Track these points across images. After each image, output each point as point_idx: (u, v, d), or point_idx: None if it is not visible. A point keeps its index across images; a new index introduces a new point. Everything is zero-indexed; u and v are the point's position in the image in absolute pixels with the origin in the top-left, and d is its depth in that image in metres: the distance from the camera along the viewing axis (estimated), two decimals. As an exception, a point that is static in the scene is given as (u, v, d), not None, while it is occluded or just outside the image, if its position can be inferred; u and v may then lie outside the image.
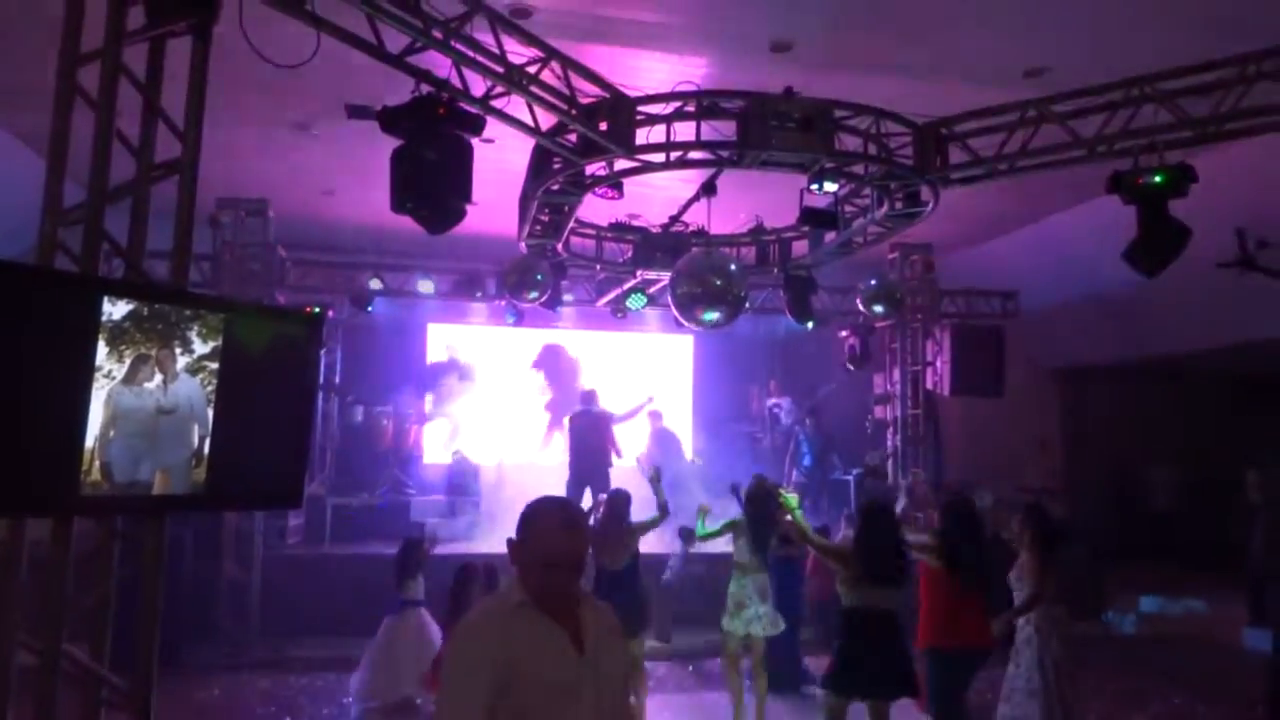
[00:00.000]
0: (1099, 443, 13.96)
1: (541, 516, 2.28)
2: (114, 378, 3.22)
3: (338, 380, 11.90)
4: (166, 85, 3.86)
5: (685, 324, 7.71)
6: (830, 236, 8.07)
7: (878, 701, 5.23)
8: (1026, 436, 13.29)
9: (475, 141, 4.89)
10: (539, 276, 8.45)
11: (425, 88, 4.71)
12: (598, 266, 9.35)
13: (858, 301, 9.81)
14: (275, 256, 9.64)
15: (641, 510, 6.65)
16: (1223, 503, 11.47)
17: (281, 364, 3.82)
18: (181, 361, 3.42)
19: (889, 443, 11.26)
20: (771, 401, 12.68)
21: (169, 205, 3.81)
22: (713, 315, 7.36)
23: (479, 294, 10.61)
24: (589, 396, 10.71)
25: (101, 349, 3.19)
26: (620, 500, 6.63)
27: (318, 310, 7.43)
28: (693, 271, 7.32)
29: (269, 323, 3.96)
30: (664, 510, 6.56)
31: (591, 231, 8.91)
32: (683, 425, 12.98)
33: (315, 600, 8.96)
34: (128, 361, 3.26)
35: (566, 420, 10.75)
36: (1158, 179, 5.35)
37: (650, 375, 12.88)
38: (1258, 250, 8.89)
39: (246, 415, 3.63)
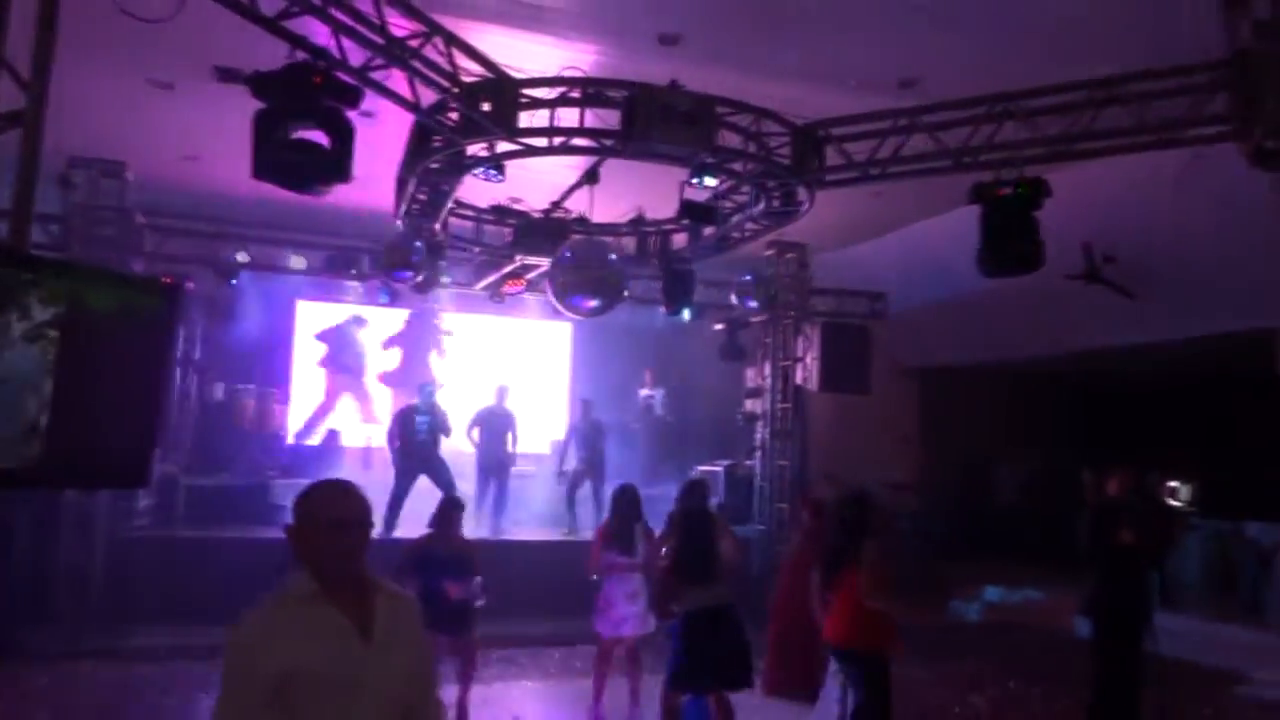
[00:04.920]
0: (953, 441, 14.66)
1: (313, 489, 2.34)
2: (-60, 343, 2.98)
3: (197, 356, 11.37)
4: (13, 32, 3.58)
5: (563, 311, 7.71)
6: (709, 231, 8.19)
7: (722, 693, 5.34)
8: (889, 433, 13.84)
9: (353, 114, 4.74)
10: (415, 257, 8.27)
11: (300, 55, 4.53)
12: (477, 249, 9.21)
13: (732, 296, 10.01)
14: (132, 221, 9.10)
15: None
16: (1062, 500, 12.24)
17: (133, 335, 3.61)
18: (18, 328, 3.18)
19: (758, 435, 11.53)
20: (645, 392, 12.80)
21: (14, 161, 3.55)
22: (591, 304, 7.38)
23: (353, 272, 10.29)
24: (501, 392, 10.95)
25: (-73, 311, 2.94)
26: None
27: (177, 280, 7.06)
28: (573, 259, 7.32)
29: (120, 291, 3.73)
30: None
31: (471, 213, 8.75)
32: (560, 413, 12.97)
33: (164, 585, 8.51)
34: (-44, 326, 3.02)
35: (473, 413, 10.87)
36: (1015, 191, 5.64)
37: (528, 361, 12.82)
38: (1103, 264, 9.54)
39: (91, 389, 3.41)
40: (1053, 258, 6.01)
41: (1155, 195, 8.63)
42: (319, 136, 4.58)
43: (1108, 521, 6.29)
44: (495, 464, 10.75)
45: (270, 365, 11.95)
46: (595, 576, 6.39)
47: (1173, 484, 11.00)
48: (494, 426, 10.79)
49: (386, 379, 12.77)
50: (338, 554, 2.22)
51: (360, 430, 12.06)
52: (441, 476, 10.01)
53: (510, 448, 10.81)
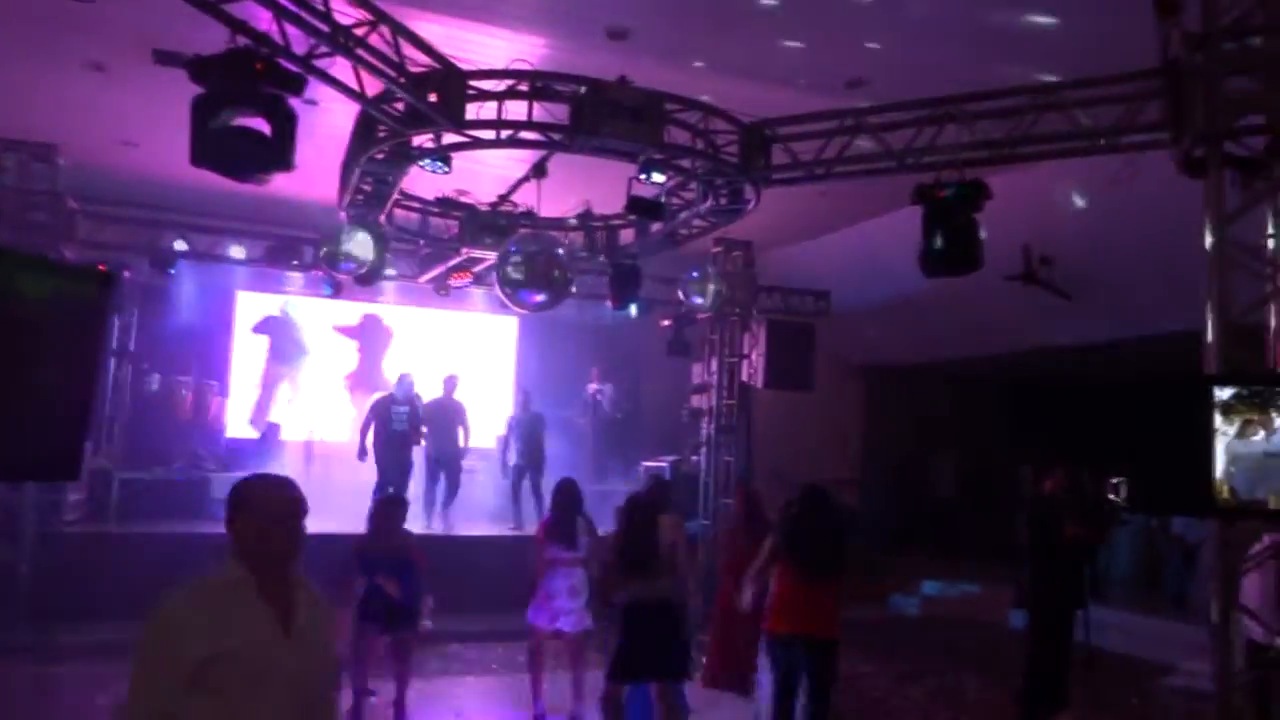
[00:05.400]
0: (893, 438, 14.90)
1: (256, 483, 2.42)
2: None
3: (132, 346, 11.08)
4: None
5: (509, 305, 7.67)
6: (656, 227, 8.21)
7: (663, 685, 5.39)
8: (831, 429, 14.02)
9: (296, 102, 4.65)
10: (359, 249, 8.14)
11: (242, 40, 4.43)
12: (421, 241, 9.12)
13: (679, 292, 10.05)
14: (64, 207, 8.83)
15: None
16: (999, 495, 12.52)
17: (64, 324, 3.50)
18: (-58, 316, 3.08)
19: (704, 431, 11.60)
20: (593, 388, 12.79)
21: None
22: (538, 298, 7.36)
23: (295, 262, 10.11)
24: (449, 383, 10.90)
25: None
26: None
27: (109, 269, 6.87)
28: (520, 253, 7.28)
29: (52, 278, 3.61)
30: None
31: (417, 205, 8.65)
32: (505, 408, 12.91)
33: (96, 582, 8.29)
34: (-125, 312, 2.91)
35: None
36: (955, 193, 5.74)
37: (472, 355, 12.73)
38: (1041, 266, 9.76)
39: (20, 378, 3.30)
40: (993, 259, 6.13)
41: (1092, 199, 8.86)
42: (260, 124, 4.48)
43: (1048, 517, 6.45)
44: (444, 458, 10.64)
45: (209, 356, 11.70)
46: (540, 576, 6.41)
47: (1115, 480, 11.28)
48: (443, 420, 10.68)
49: (348, 380, 12.60)
50: (283, 546, 2.32)
51: (301, 424, 11.86)
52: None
53: (461, 442, 10.71)
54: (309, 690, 2.32)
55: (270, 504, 2.33)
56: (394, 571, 5.98)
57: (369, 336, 12.78)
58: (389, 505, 6.44)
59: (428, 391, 10.88)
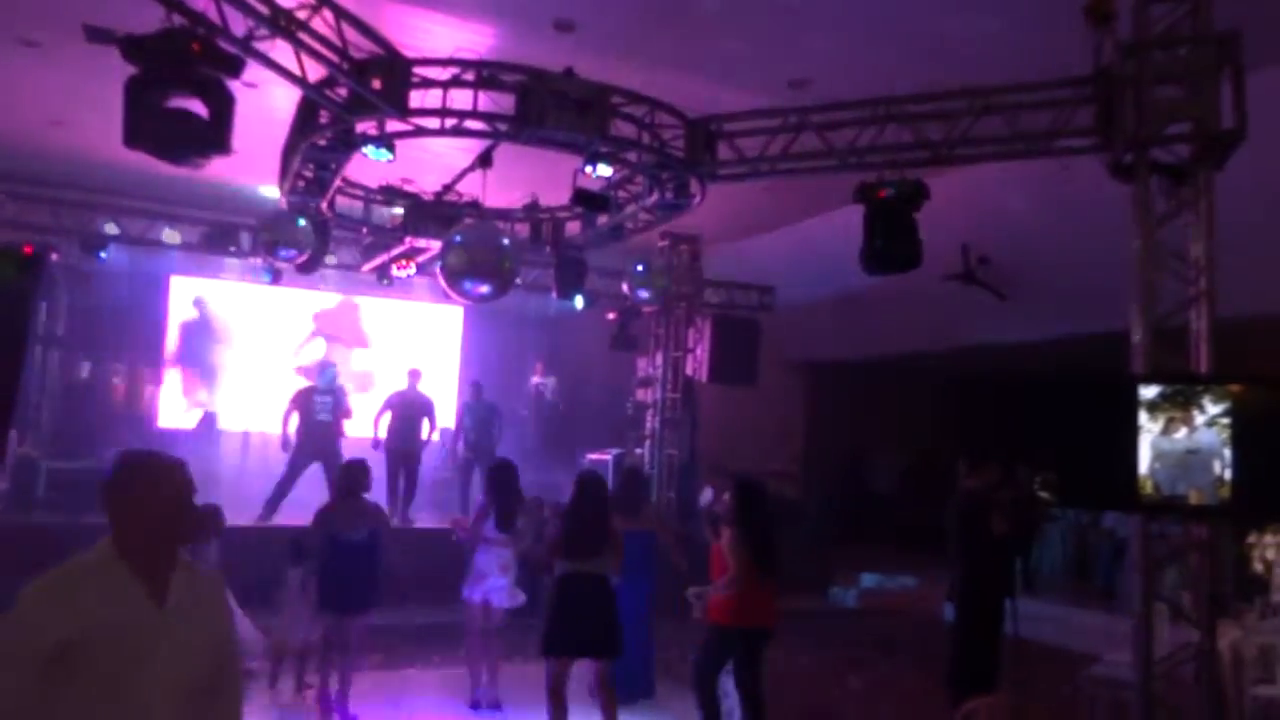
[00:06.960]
0: (835, 433, 15.10)
1: (150, 458, 2.26)
2: None
3: (60, 331, 10.77)
4: None
5: (453, 296, 7.61)
6: (602, 219, 8.20)
7: (599, 662, 5.40)
8: (773, 424, 14.16)
9: (235, 84, 4.55)
10: (299, 235, 8.02)
11: (179, 19, 4.33)
12: (364, 229, 8.99)
13: (625, 285, 10.06)
14: (-12, 188, 8.56)
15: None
16: (938, 489, 12.73)
17: (-15, 308, 3.41)
18: None
19: (648, 424, 11.64)
20: (536, 380, 12.75)
21: None
22: (482, 289, 7.31)
23: (232, 248, 9.91)
24: (413, 376, 10.70)
25: None
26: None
27: (36, 251, 6.67)
28: (464, 243, 7.23)
29: (-28, 261, 3.52)
30: None
31: (360, 192, 8.53)
32: (449, 399, 12.81)
33: (17, 575, 8.04)
34: None
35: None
36: (895, 192, 5.84)
37: (417, 345, 12.61)
38: (978, 265, 9.98)
39: (-63, 363, 3.21)
40: (932, 258, 6.24)
41: (1027, 201, 9.06)
42: (196, 106, 4.39)
43: (977, 512, 6.56)
44: (408, 452, 10.41)
45: (141, 343, 11.40)
46: (456, 538, 6.46)
47: (1044, 475, 11.58)
48: (406, 413, 10.46)
49: (304, 372, 12.37)
50: (177, 526, 2.19)
51: (239, 415, 11.62)
52: (334, 466, 9.75)
53: (424, 435, 10.51)
54: (193, 670, 2.18)
55: (173, 483, 2.19)
56: (368, 544, 5.95)
57: (331, 330, 12.58)
58: (359, 469, 6.30)
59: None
